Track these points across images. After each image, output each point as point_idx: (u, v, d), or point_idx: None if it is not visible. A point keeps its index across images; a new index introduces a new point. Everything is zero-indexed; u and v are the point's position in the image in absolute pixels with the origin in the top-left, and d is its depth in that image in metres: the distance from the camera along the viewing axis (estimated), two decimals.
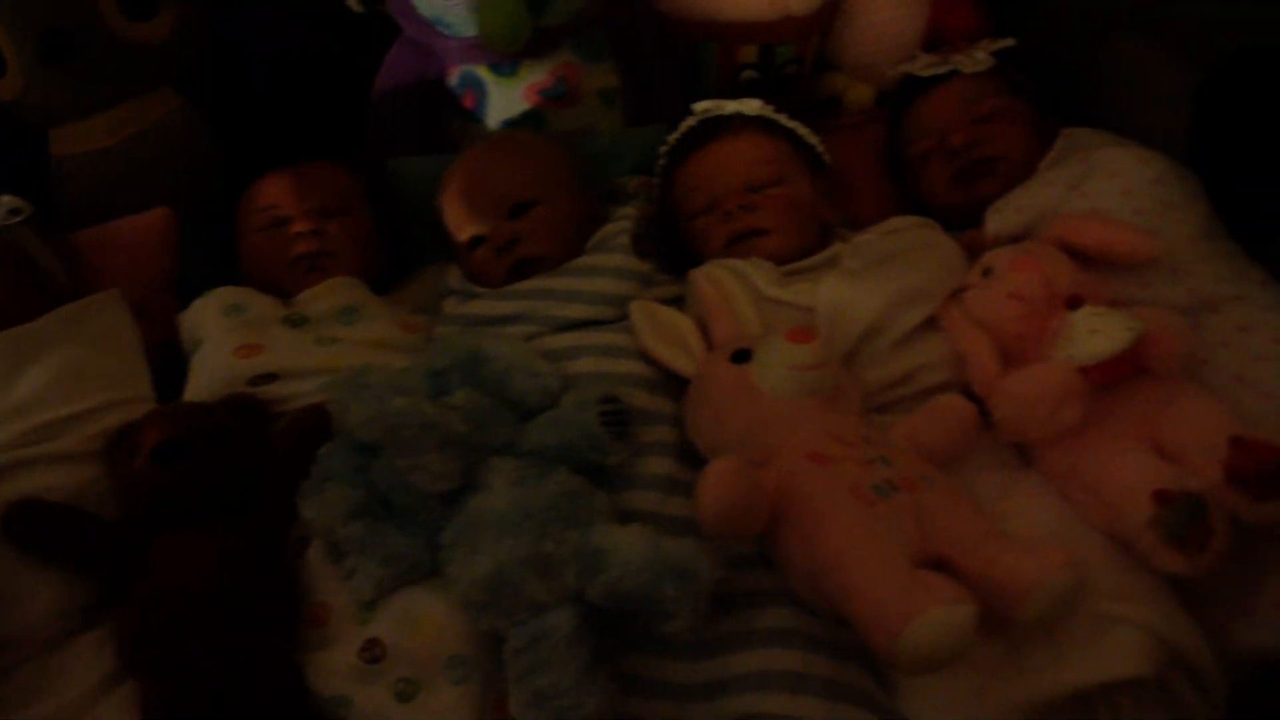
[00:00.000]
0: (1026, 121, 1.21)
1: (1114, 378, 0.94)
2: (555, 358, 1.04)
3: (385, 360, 1.08)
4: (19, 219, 1.18)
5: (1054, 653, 0.86)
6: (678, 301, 1.12)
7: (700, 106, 1.21)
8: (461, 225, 1.19)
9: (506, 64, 1.29)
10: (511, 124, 1.32)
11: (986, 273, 1.05)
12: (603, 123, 1.34)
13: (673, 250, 1.21)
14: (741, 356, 0.96)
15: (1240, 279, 1.04)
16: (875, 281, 1.05)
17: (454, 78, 1.34)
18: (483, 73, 1.31)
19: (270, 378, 1.08)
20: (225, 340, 1.10)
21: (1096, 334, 0.94)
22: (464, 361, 1.03)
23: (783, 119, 1.21)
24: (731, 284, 1.06)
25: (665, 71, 1.36)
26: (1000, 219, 1.13)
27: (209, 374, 1.08)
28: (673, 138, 1.23)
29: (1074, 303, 0.98)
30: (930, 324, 1.06)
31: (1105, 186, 1.09)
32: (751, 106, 1.20)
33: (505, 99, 1.31)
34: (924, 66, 1.27)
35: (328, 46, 1.43)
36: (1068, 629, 0.86)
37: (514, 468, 0.93)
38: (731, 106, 1.20)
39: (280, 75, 1.39)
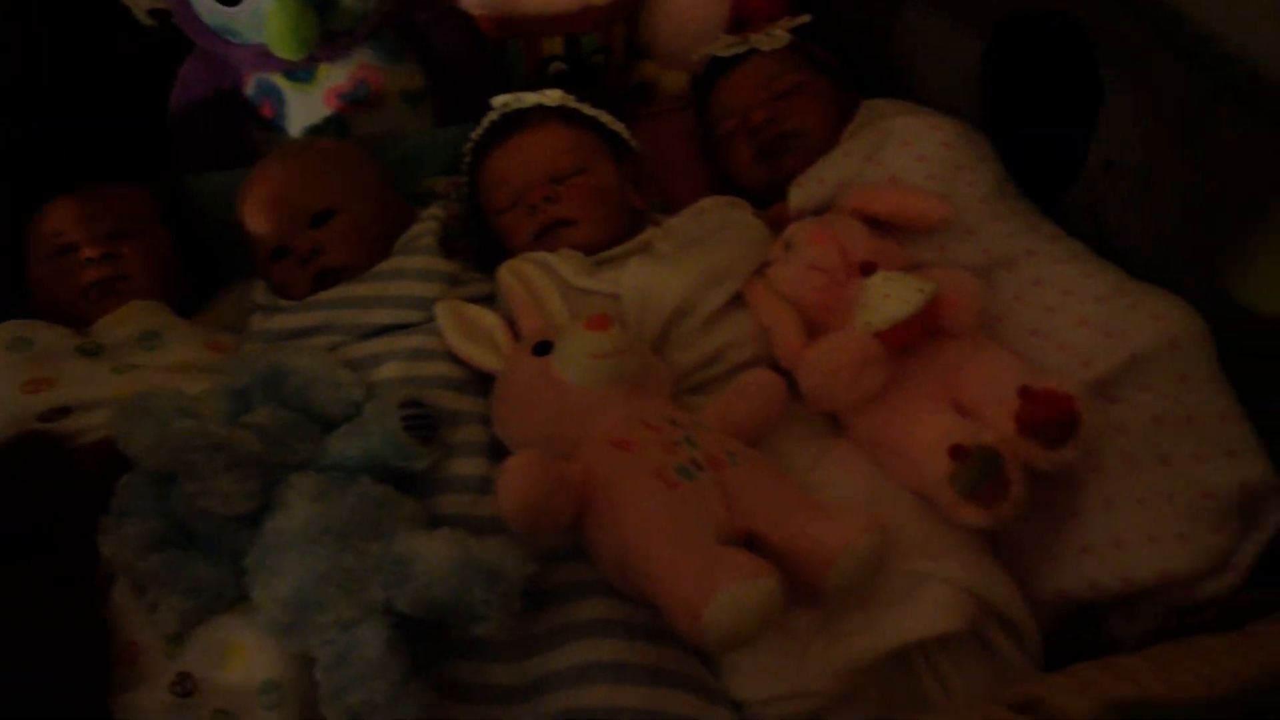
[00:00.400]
0: (826, 96, 1.23)
1: (910, 340, 0.96)
2: (360, 366, 1.01)
3: (192, 384, 1.04)
4: None
5: (868, 615, 0.87)
6: (489, 300, 1.10)
7: (499, 100, 1.19)
8: (262, 238, 1.15)
9: (302, 70, 1.26)
10: (314, 131, 1.28)
11: (788, 247, 1.06)
12: (410, 125, 1.32)
13: (484, 248, 1.20)
14: (543, 349, 0.95)
15: (1032, 234, 1.07)
16: (680, 263, 1.05)
17: (250, 87, 1.30)
18: (279, 80, 1.28)
19: (64, 411, 1.03)
20: (12, 376, 1.04)
21: (889, 299, 0.95)
22: (265, 378, 0.99)
23: (585, 108, 1.20)
24: (537, 277, 1.05)
25: (471, 69, 1.34)
26: (802, 192, 1.14)
27: None
28: (475, 134, 1.21)
29: (867, 269, 0.99)
30: (737, 302, 1.06)
31: (899, 153, 1.11)
32: (551, 97, 1.18)
33: (305, 105, 1.28)
34: (724, 47, 1.28)
35: (119, 63, 1.37)
36: (880, 590, 0.87)
37: (314, 483, 0.90)
38: (531, 99, 1.18)
39: (68, 94, 1.32)
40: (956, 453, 0.87)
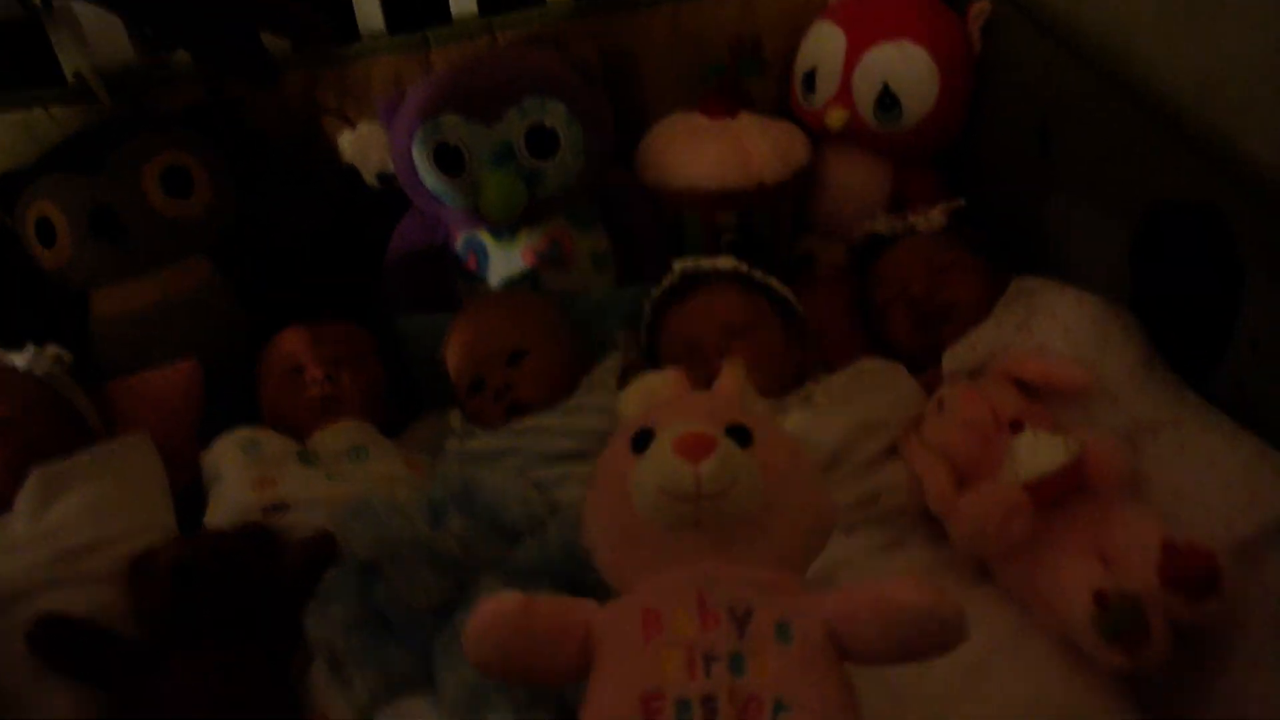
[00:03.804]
0: (979, 272, 1.33)
1: (1056, 493, 1.01)
2: (544, 486, 1.12)
3: (390, 493, 1.17)
4: (60, 368, 1.30)
5: None
6: None
7: (680, 263, 1.33)
8: (462, 372, 1.30)
9: (506, 230, 1.43)
10: (511, 283, 1.45)
11: (941, 406, 1.15)
12: (594, 284, 1.47)
13: None
14: (643, 441, 0.74)
15: (1176, 405, 1.12)
16: (838, 412, 1.14)
17: (458, 243, 1.48)
18: (484, 237, 1.46)
19: (282, 507, 1.17)
20: (242, 474, 1.20)
21: (1037, 454, 1.02)
22: (459, 493, 1.11)
23: (756, 273, 1.33)
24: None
25: (650, 236, 1.50)
26: (956, 358, 1.23)
27: (226, 504, 1.18)
28: (656, 291, 1.35)
29: (1016, 427, 1.07)
30: (892, 453, 1.14)
31: (1048, 325, 1.19)
32: (726, 263, 1.32)
33: (505, 260, 1.45)
34: (886, 226, 1.41)
35: (345, 219, 1.58)
36: None
37: (501, 584, 1.00)
38: (708, 263, 1.32)
39: (301, 244, 1.53)
40: (1100, 598, 0.91)
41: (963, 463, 1.10)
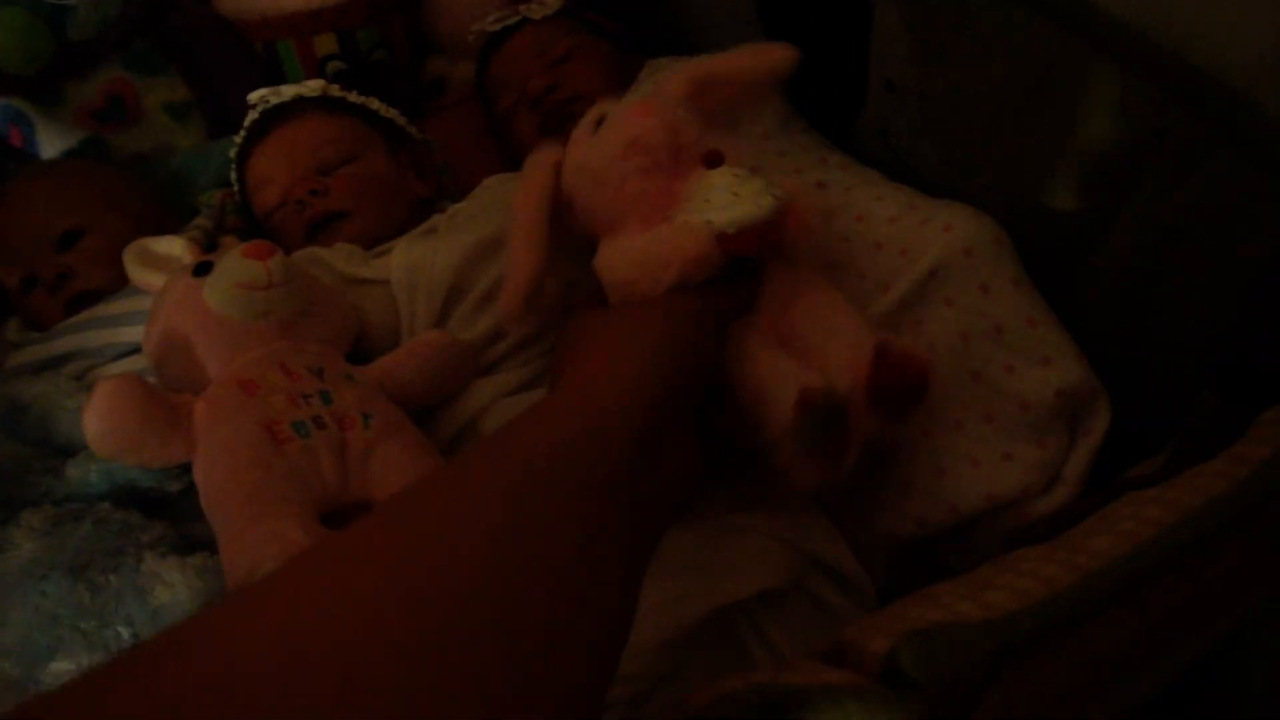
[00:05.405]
0: (605, 58, 1.17)
1: (751, 251, 0.76)
2: None
3: None
4: None
5: (679, 581, 0.79)
6: None
7: (257, 96, 1.11)
8: (8, 270, 1.04)
9: (42, 89, 1.16)
10: (71, 155, 1.18)
11: (599, 124, 0.82)
12: (179, 140, 1.23)
13: None
14: (203, 269, 0.85)
15: (820, 167, 1.01)
16: (450, 240, 0.97)
17: None
18: (22, 104, 1.18)
19: None
20: None
21: (739, 198, 0.75)
22: (5, 414, 0.89)
23: (351, 96, 1.12)
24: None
25: (240, 77, 1.26)
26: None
27: None
28: (238, 137, 1.12)
29: (713, 160, 0.77)
30: None
31: None
32: (311, 87, 1.11)
33: (54, 128, 1.18)
34: (494, 21, 1.22)
35: None
36: (692, 552, 0.80)
37: (45, 517, 0.80)
38: (290, 90, 1.10)
39: None
40: (804, 402, 0.70)
41: (624, 200, 0.78)
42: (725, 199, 0.75)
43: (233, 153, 1.13)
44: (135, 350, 0.95)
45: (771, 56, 0.83)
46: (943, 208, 0.92)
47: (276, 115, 1.09)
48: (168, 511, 0.84)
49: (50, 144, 1.18)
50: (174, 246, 0.94)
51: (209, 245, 1.06)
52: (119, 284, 1.02)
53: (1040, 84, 0.85)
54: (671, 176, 0.78)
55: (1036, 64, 0.85)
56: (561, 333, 0.81)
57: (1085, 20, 0.81)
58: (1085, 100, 0.81)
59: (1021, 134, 0.89)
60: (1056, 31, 0.83)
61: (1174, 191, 0.79)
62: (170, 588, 0.74)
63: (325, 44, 1.26)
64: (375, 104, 1.13)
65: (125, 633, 0.74)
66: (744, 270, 0.78)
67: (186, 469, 0.80)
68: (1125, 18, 0.80)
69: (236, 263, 0.82)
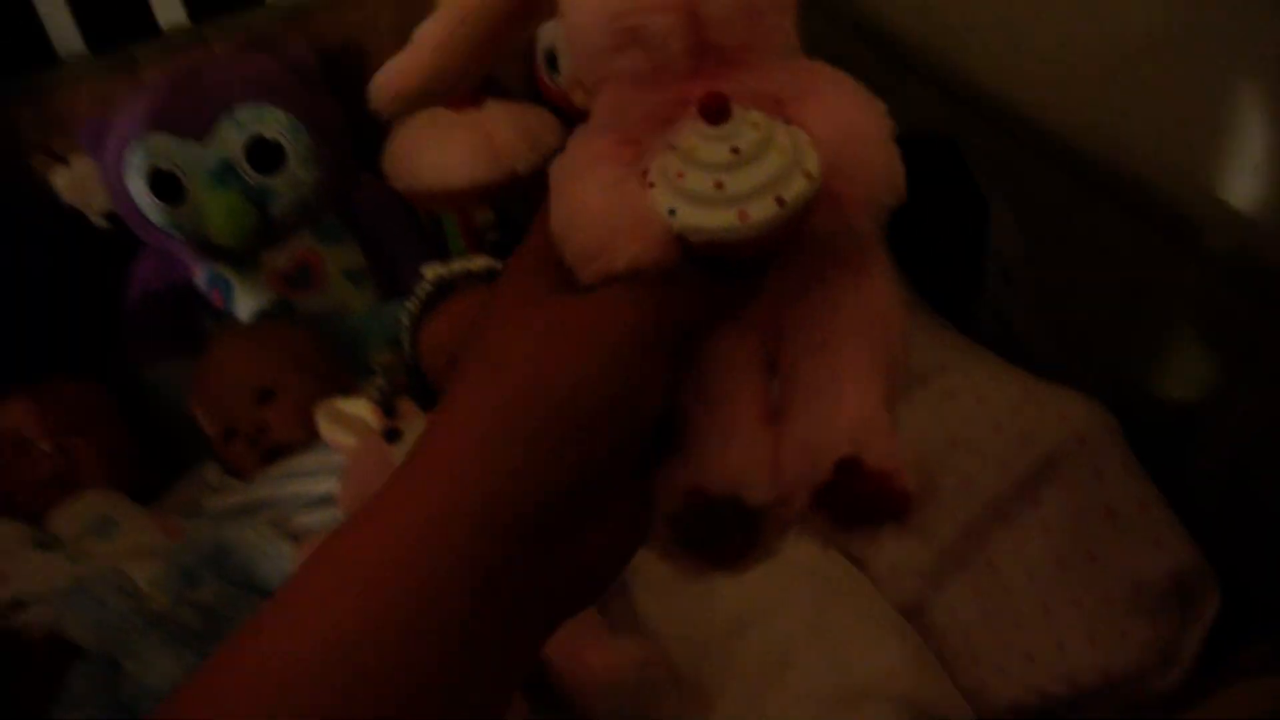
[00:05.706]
0: None
1: (730, 258, 0.39)
2: (303, 536, 1.03)
3: (146, 568, 1.05)
4: None
5: None
6: None
7: (430, 271, 1.24)
8: (211, 421, 1.18)
9: (244, 257, 1.32)
10: (262, 315, 1.33)
11: None
12: (355, 302, 1.37)
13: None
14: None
15: (941, 349, 1.10)
16: None
17: (200, 279, 1.36)
18: (224, 270, 1.34)
19: (19, 604, 1.04)
20: None
21: (722, 192, 0.37)
22: (209, 556, 1.01)
23: None
24: None
25: (409, 245, 1.41)
26: None
27: None
28: (413, 304, 1.26)
29: (711, 108, 0.38)
30: None
31: None
32: (478, 264, 1.24)
33: (251, 291, 1.33)
34: None
35: (68, 266, 1.42)
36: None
37: None
38: (459, 266, 1.24)
39: (18, 298, 1.38)
40: (691, 504, 0.42)
41: (602, 112, 0.40)
42: (703, 186, 0.39)
43: (405, 319, 1.27)
44: (323, 501, 1.08)
45: None
46: (1057, 396, 1.00)
47: (449, 288, 1.23)
48: None
49: (245, 305, 1.34)
50: (361, 409, 1.06)
51: (385, 404, 1.18)
52: (309, 438, 1.15)
53: (1137, 288, 0.94)
54: (680, 94, 0.39)
55: (1128, 267, 0.94)
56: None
57: (1177, 227, 0.90)
58: (1177, 305, 0.90)
59: (1128, 328, 0.97)
60: (1150, 236, 0.92)
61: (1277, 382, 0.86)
62: None
63: (484, 216, 1.41)
64: None
65: None
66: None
67: None
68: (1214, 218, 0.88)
69: None
